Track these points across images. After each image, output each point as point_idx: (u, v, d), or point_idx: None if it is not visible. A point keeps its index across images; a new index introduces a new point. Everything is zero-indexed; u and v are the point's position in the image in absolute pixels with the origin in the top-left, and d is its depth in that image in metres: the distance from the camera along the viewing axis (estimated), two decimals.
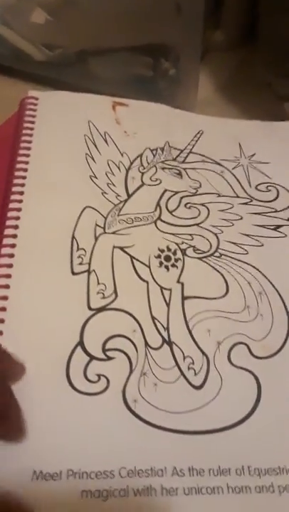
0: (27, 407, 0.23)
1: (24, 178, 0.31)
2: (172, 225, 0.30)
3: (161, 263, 0.29)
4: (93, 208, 0.30)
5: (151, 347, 0.25)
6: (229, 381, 0.25)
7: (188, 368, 0.25)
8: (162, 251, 0.29)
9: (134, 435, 0.23)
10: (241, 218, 0.31)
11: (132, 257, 0.28)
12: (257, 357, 0.26)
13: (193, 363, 0.25)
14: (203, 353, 0.26)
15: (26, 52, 0.41)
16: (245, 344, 0.26)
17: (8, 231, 0.28)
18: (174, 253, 0.29)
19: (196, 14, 0.36)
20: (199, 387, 0.25)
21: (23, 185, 0.30)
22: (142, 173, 0.33)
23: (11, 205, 0.29)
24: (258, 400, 0.24)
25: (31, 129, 0.33)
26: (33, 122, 0.34)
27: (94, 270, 0.28)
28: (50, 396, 0.24)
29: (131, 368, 0.25)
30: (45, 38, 0.41)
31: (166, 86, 0.41)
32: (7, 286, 0.26)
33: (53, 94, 0.36)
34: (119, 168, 0.33)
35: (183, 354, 0.25)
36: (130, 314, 0.26)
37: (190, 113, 0.37)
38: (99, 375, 0.24)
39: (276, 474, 0.23)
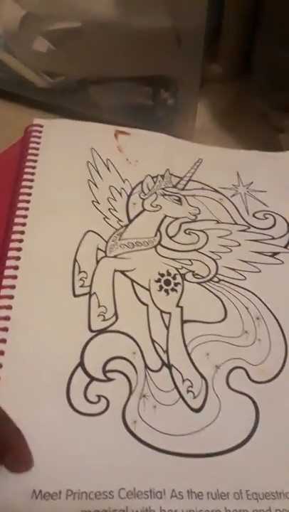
0: (27, 426, 0.23)
1: (28, 202, 0.31)
2: (172, 250, 0.31)
3: (161, 287, 0.29)
4: (95, 232, 0.31)
5: (150, 369, 0.26)
6: (227, 405, 0.25)
7: (187, 391, 0.25)
8: (162, 275, 0.30)
9: (134, 456, 0.23)
10: (239, 245, 0.32)
11: (132, 281, 0.29)
12: (255, 381, 0.26)
13: (192, 386, 0.26)
14: (202, 376, 0.26)
15: (29, 80, 0.42)
16: (244, 368, 0.27)
17: (11, 253, 0.29)
18: (174, 277, 0.30)
19: (195, 47, 0.37)
20: (198, 410, 0.25)
21: (27, 208, 0.31)
22: (143, 200, 0.33)
23: (15, 228, 0.30)
24: (255, 425, 0.25)
25: (36, 155, 0.34)
26: (37, 149, 0.34)
27: (95, 293, 0.28)
28: (50, 416, 0.24)
29: (130, 389, 0.25)
30: (47, 66, 0.42)
31: (164, 115, 0.42)
32: (9, 307, 0.27)
33: (58, 122, 0.37)
34: (120, 194, 0.34)
35: (182, 377, 0.26)
36: (130, 337, 0.27)
37: (189, 142, 0.39)
38: (99, 396, 0.25)
39: (274, 498, 0.23)
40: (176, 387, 0.25)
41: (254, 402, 0.25)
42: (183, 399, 0.25)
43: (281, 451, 0.24)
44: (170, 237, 0.32)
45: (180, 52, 0.38)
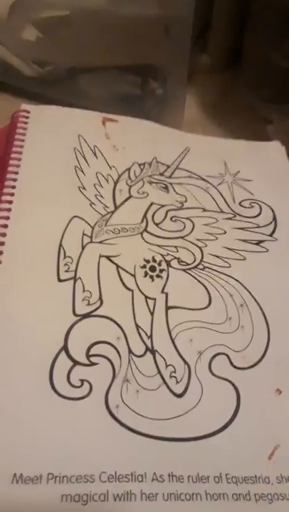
0: (9, 409, 0.23)
1: (14, 187, 0.31)
2: (158, 236, 0.31)
3: (146, 273, 0.29)
4: (81, 218, 0.31)
5: (134, 354, 0.26)
6: (210, 390, 0.25)
7: (170, 376, 0.25)
8: (148, 261, 0.30)
9: (115, 440, 0.23)
10: (225, 233, 0.32)
11: (117, 266, 0.29)
12: (237, 367, 0.26)
13: (175, 372, 0.26)
14: (185, 361, 0.26)
15: (17, 68, 0.42)
16: (226, 355, 0.27)
17: None
18: (159, 264, 0.30)
19: (183, 37, 0.37)
20: (180, 395, 0.25)
21: (12, 194, 0.31)
22: (130, 186, 0.33)
23: (0, 214, 0.29)
24: (236, 410, 0.25)
25: (22, 140, 0.34)
26: (24, 134, 0.34)
27: (80, 278, 0.28)
28: (32, 399, 0.24)
29: (114, 374, 0.25)
30: (36, 55, 0.42)
31: (153, 105, 0.42)
32: None
33: (45, 108, 0.37)
34: (107, 180, 0.33)
35: (165, 362, 0.26)
36: (115, 322, 0.27)
37: (177, 130, 0.39)
38: (82, 380, 0.25)
39: (253, 483, 0.23)
40: (159, 372, 0.26)
41: (235, 388, 0.26)
42: (166, 384, 0.25)
43: (260, 436, 0.24)
44: (156, 224, 0.32)
45: (168, 41, 0.38)
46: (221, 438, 0.24)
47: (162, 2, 0.37)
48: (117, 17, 0.38)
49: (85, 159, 0.34)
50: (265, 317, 0.28)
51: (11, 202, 0.30)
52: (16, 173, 0.32)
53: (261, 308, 0.29)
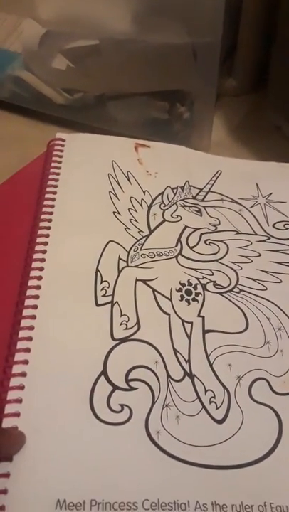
0: (51, 434, 0.23)
1: (51, 214, 0.32)
2: (193, 260, 0.31)
3: (182, 297, 0.29)
4: (116, 243, 0.31)
5: (173, 379, 0.26)
6: (250, 416, 0.25)
7: (210, 402, 0.25)
8: (183, 285, 0.30)
9: (157, 467, 0.23)
10: (259, 255, 0.32)
11: (154, 290, 0.29)
12: (278, 393, 0.26)
13: (214, 397, 0.25)
14: (224, 387, 0.26)
15: (47, 96, 0.43)
16: (266, 380, 0.26)
17: (35, 264, 0.29)
18: (195, 287, 0.30)
19: (211, 62, 0.38)
20: (221, 422, 0.25)
21: (50, 220, 0.31)
22: (163, 210, 0.34)
23: (39, 240, 0.30)
24: (279, 437, 0.25)
25: (58, 168, 0.35)
26: (59, 162, 0.35)
27: (117, 302, 0.28)
28: (74, 424, 0.24)
29: (153, 399, 0.25)
30: (66, 83, 0.43)
31: (181, 129, 0.42)
32: (33, 317, 0.27)
33: (79, 136, 0.38)
34: (141, 205, 0.34)
35: (204, 387, 0.26)
36: (152, 346, 0.27)
37: (208, 154, 0.39)
38: (122, 405, 0.25)
39: None
40: (198, 397, 0.25)
41: (277, 414, 0.25)
42: (205, 409, 0.25)
43: None
44: (191, 248, 0.32)
45: (196, 67, 0.39)
46: (264, 466, 0.24)
47: (190, 29, 0.37)
48: (145, 45, 0.39)
49: (119, 184, 0.35)
50: None
51: (49, 228, 0.31)
52: (53, 199, 0.33)
53: None
